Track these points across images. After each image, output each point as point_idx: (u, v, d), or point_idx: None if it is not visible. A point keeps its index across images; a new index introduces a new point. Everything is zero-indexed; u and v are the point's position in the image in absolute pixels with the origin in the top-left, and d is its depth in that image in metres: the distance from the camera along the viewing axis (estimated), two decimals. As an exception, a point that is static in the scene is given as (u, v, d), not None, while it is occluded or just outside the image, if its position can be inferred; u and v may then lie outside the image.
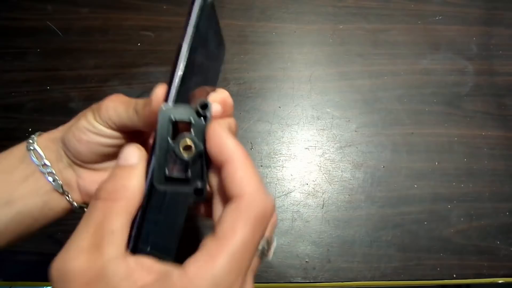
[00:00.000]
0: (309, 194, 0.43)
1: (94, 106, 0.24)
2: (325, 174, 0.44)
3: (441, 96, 0.49)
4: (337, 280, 0.40)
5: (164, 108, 0.20)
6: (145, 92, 0.46)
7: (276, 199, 0.43)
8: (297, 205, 0.43)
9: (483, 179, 0.45)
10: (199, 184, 0.19)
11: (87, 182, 0.26)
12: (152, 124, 0.21)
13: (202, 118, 0.20)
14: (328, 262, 0.41)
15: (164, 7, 0.51)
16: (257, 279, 0.40)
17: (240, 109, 0.47)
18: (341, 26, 0.52)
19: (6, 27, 0.49)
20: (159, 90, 0.21)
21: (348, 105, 0.48)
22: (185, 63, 0.20)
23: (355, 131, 0.46)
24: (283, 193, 0.43)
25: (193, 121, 0.20)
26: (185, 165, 0.19)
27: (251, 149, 0.45)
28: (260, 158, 0.45)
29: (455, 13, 0.53)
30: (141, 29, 0.50)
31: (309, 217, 0.42)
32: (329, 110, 0.47)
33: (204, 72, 0.23)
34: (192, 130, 0.20)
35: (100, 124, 0.24)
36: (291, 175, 0.44)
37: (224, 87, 0.47)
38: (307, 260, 0.41)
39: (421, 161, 0.45)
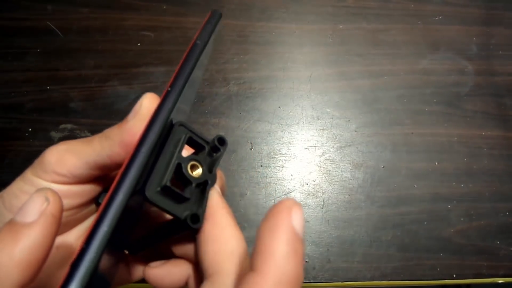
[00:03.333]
0: (309, 194, 0.43)
1: (36, 160, 0.18)
2: (325, 174, 0.44)
3: (441, 96, 0.49)
4: (337, 280, 0.40)
5: (179, 124, 0.18)
6: (145, 92, 0.46)
7: (276, 199, 0.43)
8: (297, 205, 0.43)
9: (483, 179, 0.45)
10: (197, 209, 0.17)
11: None
12: (129, 144, 0.17)
13: (214, 151, 0.19)
14: (328, 262, 0.41)
15: (164, 7, 0.51)
16: (257, 279, 0.40)
17: (240, 109, 0.47)
18: (341, 26, 0.52)
19: (6, 27, 0.49)
20: (148, 102, 0.18)
21: (348, 105, 0.48)
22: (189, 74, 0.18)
23: (355, 131, 0.46)
24: (283, 193, 0.43)
25: (207, 149, 0.19)
26: (185, 185, 0.18)
27: (250, 149, 0.45)
28: (260, 158, 0.45)
29: (455, 13, 0.53)
30: (141, 29, 0.50)
31: (309, 217, 0.42)
32: (329, 110, 0.47)
33: (193, 84, 0.21)
34: (201, 156, 0.19)
35: (45, 179, 0.18)
36: (291, 175, 0.44)
37: (224, 87, 0.47)
38: (307, 260, 0.41)
39: (421, 161, 0.45)
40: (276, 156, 0.45)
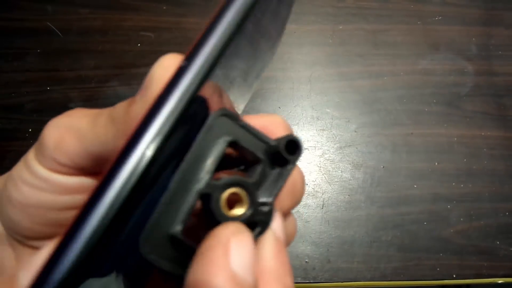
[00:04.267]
0: (309, 195, 0.43)
1: (39, 138, 0.14)
2: (325, 175, 0.44)
3: (440, 96, 0.49)
4: (337, 280, 0.40)
5: (220, 113, 0.11)
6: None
7: (276, 199, 0.43)
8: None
9: (483, 179, 0.45)
10: None
11: (31, 271, 0.15)
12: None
13: (277, 164, 0.11)
14: (328, 262, 0.41)
15: (164, 7, 0.51)
16: (257, 279, 0.40)
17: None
18: (340, 27, 0.52)
19: (6, 27, 0.49)
20: (164, 71, 0.11)
21: (347, 105, 0.48)
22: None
23: (355, 132, 0.46)
24: (283, 194, 0.43)
25: (262, 159, 0.11)
26: (213, 225, 0.10)
27: (251, 149, 0.45)
28: (260, 158, 0.45)
29: (454, 13, 0.53)
30: (141, 30, 0.50)
31: (309, 217, 0.42)
32: (328, 110, 0.47)
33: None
34: (252, 176, 0.11)
35: (46, 166, 0.14)
36: (291, 175, 0.44)
37: (224, 87, 0.47)
38: (306, 260, 0.41)
39: (421, 161, 0.45)
40: (276, 157, 0.45)
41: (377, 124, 0.47)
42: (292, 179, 0.13)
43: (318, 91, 0.48)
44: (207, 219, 0.11)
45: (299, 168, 0.13)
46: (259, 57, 0.15)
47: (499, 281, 0.42)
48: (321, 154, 0.45)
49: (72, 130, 0.13)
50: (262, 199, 0.11)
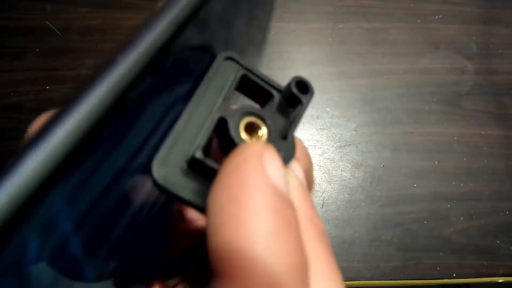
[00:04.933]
0: (308, 194, 0.43)
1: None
2: (324, 174, 0.44)
3: (440, 95, 0.48)
4: (336, 279, 0.40)
5: (227, 56, 0.11)
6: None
7: (276, 198, 0.43)
8: (297, 204, 0.43)
9: (483, 178, 0.45)
10: None
11: None
12: None
13: (290, 104, 0.11)
14: (327, 262, 0.41)
15: (163, 6, 0.51)
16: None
17: (240, 109, 0.47)
18: (340, 25, 0.52)
19: (5, 26, 0.49)
20: None
21: (347, 104, 0.48)
22: None
23: (355, 131, 0.46)
24: (283, 193, 0.43)
25: (277, 99, 0.12)
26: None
27: (250, 148, 0.45)
28: (259, 157, 0.45)
29: (454, 12, 0.53)
30: (140, 29, 0.50)
31: (308, 217, 0.42)
32: (328, 109, 0.47)
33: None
34: (266, 112, 0.11)
35: None
36: (291, 174, 0.44)
37: (224, 86, 0.47)
38: (306, 259, 0.41)
39: (421, 160, 0.45)
40: (275, 156, 0.45)
41: (377, 123, 0.47)
42: (301, 144, 0.12)
43: (317, 89, 0.48)
44: (224, 148, 0.10)
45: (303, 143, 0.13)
46: (256, 17, 0.14)
47: (499, 280, 0.42)
48: (321, 153, 0.45)
49: None
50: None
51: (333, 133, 0.46)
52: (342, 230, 0.42)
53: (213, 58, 0.11)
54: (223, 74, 0.11)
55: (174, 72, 0.10)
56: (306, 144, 0.45)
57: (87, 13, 0.51)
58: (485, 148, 0.46)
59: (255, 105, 0.12)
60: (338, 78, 0.49)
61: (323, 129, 0.46)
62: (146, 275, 0.12)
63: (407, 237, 0.42)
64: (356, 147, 0.46)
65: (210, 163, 0.09)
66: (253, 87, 0.11)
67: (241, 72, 0.11)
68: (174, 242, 0.14)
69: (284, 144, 0.11)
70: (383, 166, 0.45)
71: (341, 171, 0.44)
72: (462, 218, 0.43)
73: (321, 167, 0.45)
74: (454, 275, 0.41)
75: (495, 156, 0.46)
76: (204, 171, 0.09)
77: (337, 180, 0.44)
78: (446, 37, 0.52)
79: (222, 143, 0.10)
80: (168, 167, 0.09)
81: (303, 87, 0.11)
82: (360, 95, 0.48)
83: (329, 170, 0.44)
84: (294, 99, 0.11)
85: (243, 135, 0.10)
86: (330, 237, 0.42)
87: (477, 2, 0.54)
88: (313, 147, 0.45)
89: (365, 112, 0.47)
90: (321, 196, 0.43)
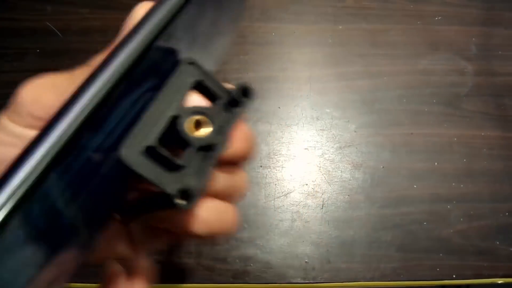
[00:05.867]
0: (308, 195, 0.43)
1: (11, 100, 0.15)
2: (324, 175, 0.44)
3: (440, 96, 0.49)
4: (336, 280, 0.40)
5: (189, 61, 0.14)
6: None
7: (276, 199, 0.43)
8: (297, 205, 0.43)
9: (483, 179, 0.45)
10: (194, 183, 0.13)
11: None
12: None
13: (233, 105, 0.14)
14: (327, 263, 0.41)
15: (164, 7, 0.51)
16: (257, 279, 0.40)
17: (240, 110, 0.47)
18: (340, 27, 0.52)
19: (5, 27, 0.49)
20: (143, 12, 0.13)
21: (347, 105, 0.48)
22: None
23: (355, 132, 0.46)
24: (283, 194, 0.43)
25: (224, 101, 0.14)
26: (183, 146, 0.13)
27: (250, 149, 0.45)
28: (259, 158, 0.45)
29: (454, 13, 0.53)
30: (140, 30, 0.50)
31: (308, 218, 0.42)
32: (328, 110, 0.47)
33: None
34: (215, 111, 0.14)
35: (21, 124, 0.14)
36: (291, 175, 0.44)
37: (224, 87, 0.47)
38: (306, 260, 0.41)
39: (421, 161, 0.45)
40: (275, 157, 0.45)
41: (377, 124, 0.47)
42: (245, 130, 0.15)
43: (317, 91, 0.48)
44: (177, 140, 0.13)
45: (250, 130, 0.16)
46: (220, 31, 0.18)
47: (499, 281, 0.42)
48: (320, 154, 0.45)
49: (49, 86, 0.14)
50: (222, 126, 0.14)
51: (333, 134, 0.46)
52: (342, 231, 0.42)
53: (177, 60, 0.14)
54: (184, 77, 0.13)
55: (145, 72, 0.13)
56: (306, 145, 0.46)
57: (87, 14, 0.51)
58: (484, 150, 0.46)
59: (206, 103, 0.15)
60: (338, 79, 0.49)
61: (323, 130, 0.46)
62: (107, 216, 0.16)
63: (407, 238, 0.42)
64: (356, 148, 0.46)
65: (162, 151, 0.12)
66: (206, 90, 0.14)
67: (198, 78, 0.14)
68: (130, 193, 0.17)
69: (220, 137, 0.14)
70: (383, 167, 0.45)
71: (341, 172, 0.45)
72: (461, 219, 0.43)
73: (321, 168, 0.45)
74: (454, 276, 0.41)
75: (494, 157, 0.46)
76: (158, 156, 0.12)
77: (337, 181, 0.44)
78: (446, 38, 0.52)
79: (175, 136, 0.13)
80: (132, 149, 0.12)
81: (247, 90, 0.15)
82: (360, 96, 0.48)
83: (329, 171, 0.45)
84: (236, 100, 0.14)
85: (191, 130, 0.13)
86: (330, 238, 0.42)
87: (476, 3, 0.54)
88: (313, 148, 0.45)
89: (365, 113, 0.47)
90: (321, 197, 0.43)
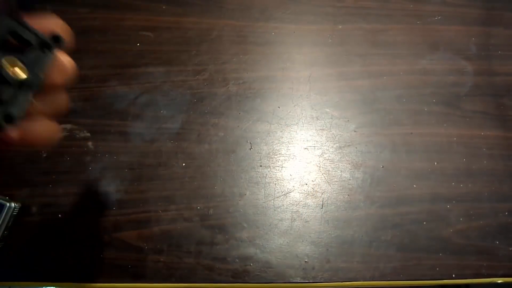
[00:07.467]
0: (308, 194, 0.43)
1: None
2: (324, 174, 0.44)
3: (440, 96, 0.49)
4: (336, 280, 0.40)
5: (6, 14, 0.18)
6: (144, 92, 0.46)
7: (276, 199, 0.43)
8: (297, 205, 0.43)
9: (482, 179, 0.45)
10: (14, 111, 0.18)
11: None
12: None
13: (44, 48, 0.19)
14: (327, 262, 0.41)
15: (164, 7, 0.51)
16: (256, 279, 0.40)
17: (239, 109, 0.47)
18: (340, 26, 0.52)
19: (5, 27, 0.49)
20: None
21: (347, 105, 0.48)
22: None
23: (354, 131, 0.46)
24: (283, 193, 0.43)
25: (36, 45, 0.18)
26: (6, 84, 0.18)
27: (250, 149, 0.45)
28: (259, 158, 0.45)
29: (454, 13, 0.53)
30: (140, 29, 0.50)
31: (308, 217, 0.42)
32: (328, 110, 0.47)
33: None
34: (29, 54, 0.18)
35: None
36: (290, 175, 0.44)
37: (224, 87, 0.47)
38: (306, 260, 0.41)
39: (420, 161, 0.45)
40: (275, 156, 0.45)
41: (377, 124, 0.47)
42: (62, 63, 0.20)
43: (317, 91, 0.48)
44: (1, 81, 0.17)
45: (69, 58, 0.20)
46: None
47: (499, 281, 0.42)
48: (320, 153, 0.45)
49: None
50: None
51: (333, 134, 0.46)
52: (341, 231, 0.42)
53: None
54: (3, 29, 0.17)
55: None
56: (306, 144, 0.46)
57: (87, 13, 0.51)
58: (484, 149, 0.46)
59: (19, 48, 0.18)
60: (338, 79, 0.49)
61: (322, 130, 0.46)
62: None
63: (407, 238, 0.42)
64: (356, 148, 0.46)
65: None
66: (21, 37, 0.18)
67: (11, 27, 0.17)
68: None
69: (34, 76, 0.18)
70: (383, 167, 0.45)
71: (341, 171, 0.45)
72: (461, 219, 0.43)
73: (321, 168, 0.45)
74: (454, 275, 0.41)
75: (494, 157, 0.46)
76: None
77: (336, 181, 0.44)
78: (446, 38, 0.52)
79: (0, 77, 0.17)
80: None
81: (57, 38, 0.19)
82: (360, 96, 0.48)
83: (328, 170, 0.45)
84: (46, 44, 0.18)
85: (8, 68, 0.17)
86: (329, 238, 0.42)
87: (476, 3, 0.54)
88: (313, 147, 0.46)
89: (365, 113, 0.47)
90: (320, 196, 0.43)
